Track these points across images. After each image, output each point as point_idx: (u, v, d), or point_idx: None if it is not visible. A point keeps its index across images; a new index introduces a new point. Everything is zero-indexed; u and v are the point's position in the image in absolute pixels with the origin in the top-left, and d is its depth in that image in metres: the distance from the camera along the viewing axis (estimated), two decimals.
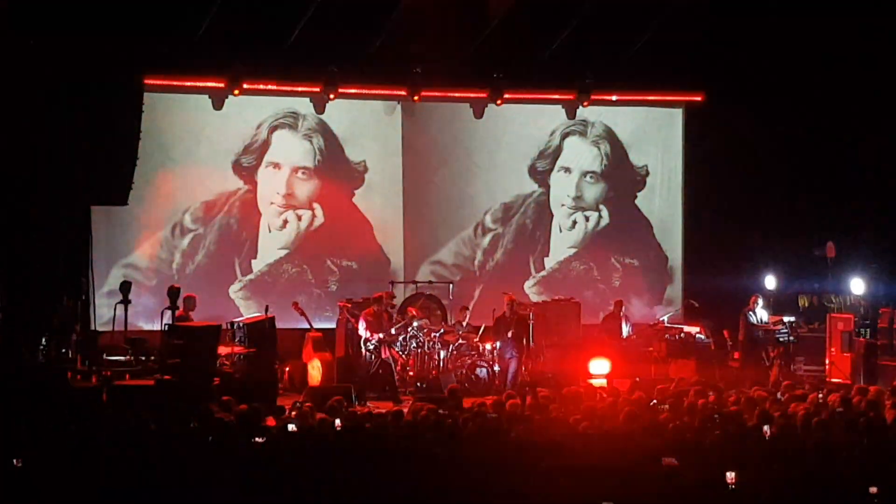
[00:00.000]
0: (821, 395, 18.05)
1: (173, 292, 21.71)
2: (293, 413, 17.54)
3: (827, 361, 23.43)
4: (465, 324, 23.90)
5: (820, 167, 25.23)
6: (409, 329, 23.04)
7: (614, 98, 26.64)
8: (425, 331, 23.36)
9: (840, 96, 24.74)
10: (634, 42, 25.42)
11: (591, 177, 27.11)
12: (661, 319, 25.38)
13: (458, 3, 23.95)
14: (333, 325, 23.99)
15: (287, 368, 22.97)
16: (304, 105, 25.24)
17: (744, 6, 24.12)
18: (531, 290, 26.49)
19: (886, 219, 25.12)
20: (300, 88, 25.01)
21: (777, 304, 24.77)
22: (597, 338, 24.29)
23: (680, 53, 25.39)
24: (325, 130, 25.49)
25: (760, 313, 23.87)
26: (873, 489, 12.93)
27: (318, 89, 24.82)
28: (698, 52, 25.24)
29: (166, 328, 21.15)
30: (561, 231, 26.96)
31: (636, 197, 27.41)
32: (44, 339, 20.80)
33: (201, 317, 21.83)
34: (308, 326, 23.05)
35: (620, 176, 27.27)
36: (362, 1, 23.32)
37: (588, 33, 24.82)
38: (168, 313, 21.39)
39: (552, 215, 26.95)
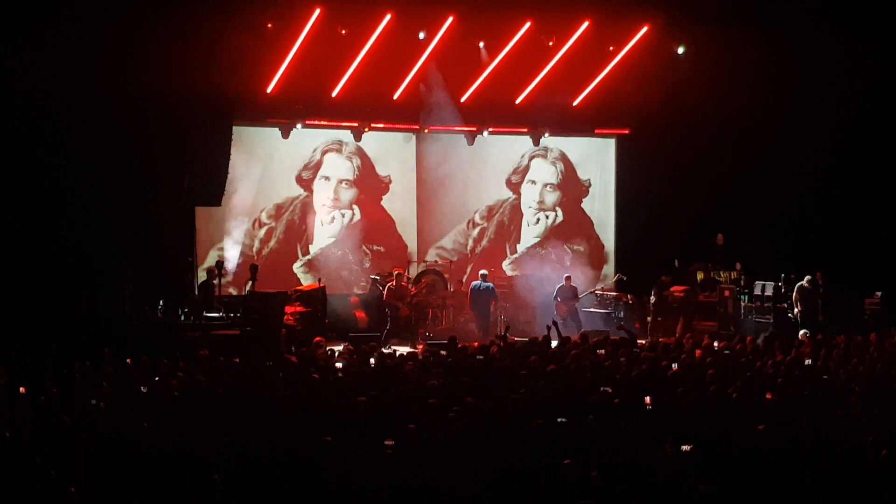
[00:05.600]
0: (716, 344, 18.12)
1: (253, 269, 21.76)
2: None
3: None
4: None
5: (713, 180, 25.27)
6: (421, 294, 23.14)
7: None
8: (433, 296, 23.52)
9: (724, 129, 24.86)
10: (579, 94, 25.53)
11: (550, 187, 27.13)
12: (597, 288, 25.42)
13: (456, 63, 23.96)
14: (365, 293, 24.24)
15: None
16: (346, 135, 25.22)
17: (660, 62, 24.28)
18: (507, 268, 26.53)
19: (760, 217, 25.19)
20: (344, 124, 24.94)
21: (680, 277, 24.78)
22: (553, 301, 24.27)
23: (613, 100, 25.44)
24: (361, 153, 25.49)
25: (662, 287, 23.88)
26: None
27: (356, 124, 24.82)
28: (627, 99, 25.26)
29: (248, 294, 21.24)
30: (528, 226, 26.97)
31: (582, 202, 27.42)
32: (161, 302, 20.83)
33: (273, 286, 21.79)
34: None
35: (571, 186, 27.27)
36: (388, 64, 23.28)
37: (546, 89, 24.93)
38: (250, 284, 21.44)
39: (522, 214, 26.94)
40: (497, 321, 23.11)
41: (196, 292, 21.88)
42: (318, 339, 18.56)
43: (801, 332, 19.27)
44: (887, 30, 22.44)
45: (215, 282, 21.71)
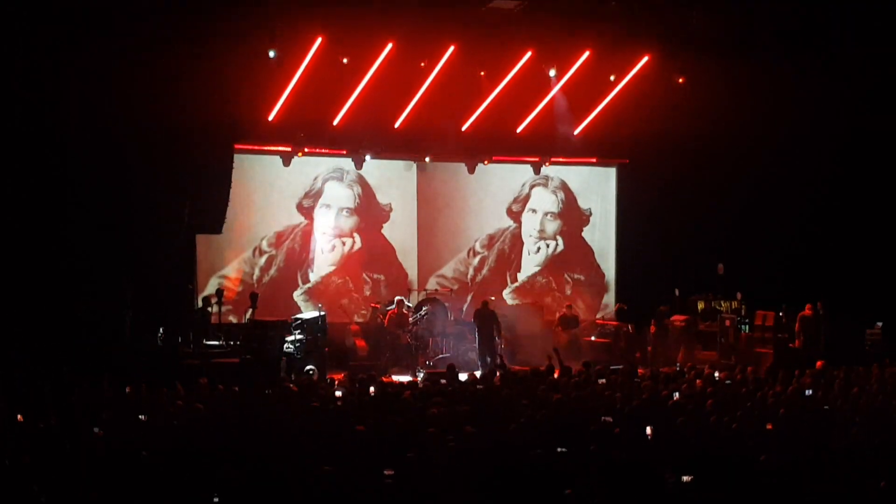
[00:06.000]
0: (716, 374, 18.09)
1: (254, 297, 21.73)
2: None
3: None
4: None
5: (713, 210, 25.33)
6: (421, 322, 23.09)
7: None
8: (433, 323, 23.49)
9: (724, 159, 24.91)
10: (580, 123, 25.66)
11: (550, 216, 27.15)
12: (598, 317, 25.39)
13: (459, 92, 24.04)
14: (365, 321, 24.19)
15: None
16: (347, 163, 25.24)
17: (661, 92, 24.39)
18: (507, 296, 26.52)
19: (761, 247, 25.16)
20: (345, 152, 24.98)
21: (681, 306, 24.75)
22: (553, 330, 24.29)
23: (614, 129, 25.58)
24: (362, 181, 25.51)
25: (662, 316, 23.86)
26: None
27: (357, 152, 24.86)
28: (628, 128, 25.41)
29: (248, 322, 21.21)
30: (529, 254, 26.98)
31: (582, 230, 27.45)
32: (161, 329, 20.80)
33: (273, 314, 21.76)
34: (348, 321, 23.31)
35: (571, 215, 27.30)
36: (390, 93, 23.35)
37: (547, 118, 25.06)
38: (250, 312, 21.42)
39: (523, 243, 26.96)
40: (497, 349, 23.13)
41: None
42: (307, 367, 18.56)
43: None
44: (883, 60, 22.51)
45: (211, 309, 21.71)
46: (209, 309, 21.70)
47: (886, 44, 22.06)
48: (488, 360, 21.88)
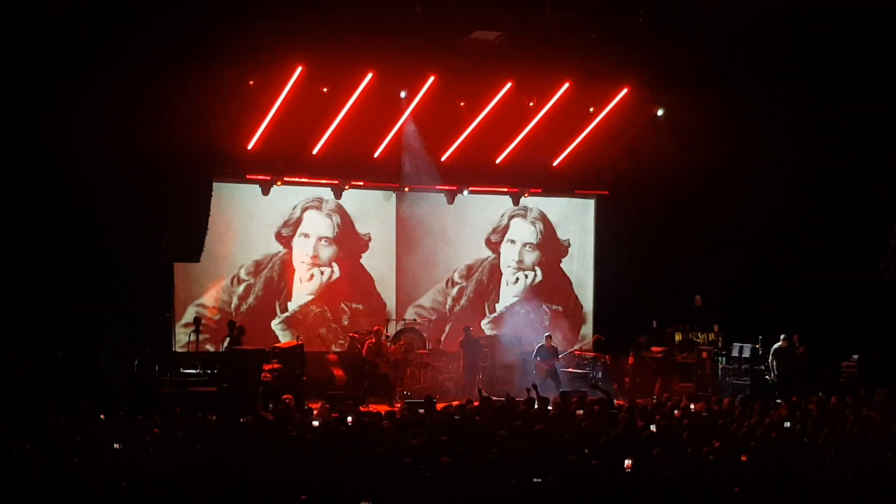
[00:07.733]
0: (693, 406, 18.14)
1: (231, 325, 21.72)
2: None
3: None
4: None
5: (691, 242, 25.45)
6: (399, 352, 23.14)
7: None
8: (411, 354, 23.54)
9: (702, 191, 25.06)
10: (559, 154, 25.79)
11: (529, 247, 27.25)
12: (576, 348, 25.45)
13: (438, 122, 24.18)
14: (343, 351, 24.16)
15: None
16: (326, 193, 25.31)
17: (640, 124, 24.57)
18: (486, 327, 26.55)
19: (738, 279, 25.26)
20: (324, 181, 25.04)
21: (658, 338, 24.84)
22: (532, 361, 24.33)
23: (593, 161, 25.74)
24: (341, 211, 25.58)
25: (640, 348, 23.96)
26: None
27: (336, 182, 24.93)
28: (607, 160, 25.58)
29: (225, 351, 21.20)
30: (507, 285, 27.05)
31: (561, 261, 27.54)
32: (137, 358, 20.74)
33: (250, 343, 21.76)
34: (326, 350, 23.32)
35: (550, 246, 27.41)
36: (369, 122, 23.46)
37: (526, 149, 25.18)
38: (227, 340, 21.40)
39: (501, 274, 27.03)
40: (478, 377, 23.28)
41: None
42: (286, 396, 18.53)
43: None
44: (862, 90, 22.72)
45: (191, 339, 21.69)
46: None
47: (866, 77, 22.28)
48: (473, 387, 22.03)
